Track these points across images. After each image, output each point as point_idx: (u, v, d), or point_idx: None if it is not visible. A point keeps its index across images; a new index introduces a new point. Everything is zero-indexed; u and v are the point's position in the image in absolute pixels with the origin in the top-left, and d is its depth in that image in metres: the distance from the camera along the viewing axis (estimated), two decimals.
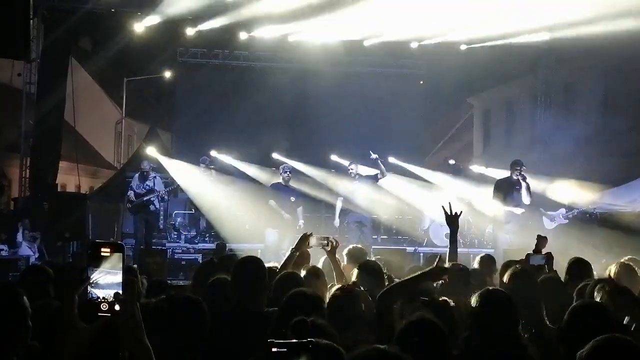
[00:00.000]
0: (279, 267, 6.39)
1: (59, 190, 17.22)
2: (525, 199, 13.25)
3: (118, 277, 2.48)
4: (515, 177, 13.31)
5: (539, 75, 19.29)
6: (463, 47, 17.97)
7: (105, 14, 16.60)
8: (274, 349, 2.34)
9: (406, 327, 3.58)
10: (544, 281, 5.45)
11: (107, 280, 2.48)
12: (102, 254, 2.48)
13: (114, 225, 17.01)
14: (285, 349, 2.35)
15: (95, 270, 2.48)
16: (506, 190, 13.45)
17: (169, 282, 7.63)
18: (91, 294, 2.47)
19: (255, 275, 4.84)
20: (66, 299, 2.59)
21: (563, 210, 15.53)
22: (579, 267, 6.30)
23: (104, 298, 2.46)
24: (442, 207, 6.34)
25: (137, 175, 15.06)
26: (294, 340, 2.39)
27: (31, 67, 16.39)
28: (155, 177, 15.08)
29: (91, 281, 2.46)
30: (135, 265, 10.17)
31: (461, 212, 6.28)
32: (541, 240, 6.54)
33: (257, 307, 4.66)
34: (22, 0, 14.05)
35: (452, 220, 6.13)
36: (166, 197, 15.53)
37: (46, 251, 13.87)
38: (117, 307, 2.45)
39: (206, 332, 3.94)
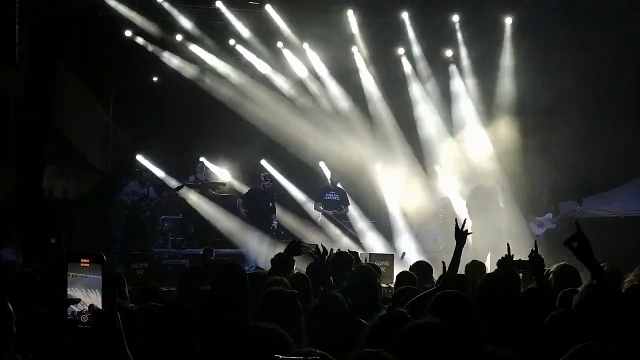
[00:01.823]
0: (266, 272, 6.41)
1: (46, 195, 17.09)
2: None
3: (98, 289, 2.43)
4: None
5: None
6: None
7: (94, 19, 16.56)
8: None
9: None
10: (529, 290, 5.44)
11: (87, 291, 2.43)
12: (82, 264, 2.44)
13: (102, 230, 16.91)
14: None
15: (75, 281, 2.43)
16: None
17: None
18: (71, 306, 2.42)
19: (236, 282, 4.83)
20: (51, 311, 2.55)
21: (550, 215, 15.59)
22: (566, 273, 6.30)
23: (83, 311, 2.42)
24: (455, 219, 6.37)
25: (133, 182, 15.22)
26: (300, 357, 2.39)
27: (18, 72, 16.29)
28: (150, 185, 15.25)
29: (70, 292, 2.41)
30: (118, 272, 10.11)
31: (471, 232, 6.38)
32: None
33: (239, 315, 4.65)
34: (8, 5, 14.02)
35: (460, 235, 6.16)
36: (160, 204, 15.58)
37: (33, 257, 13.76)
38: (96, 319, 2.41)
39: (195, 341, 3.90)
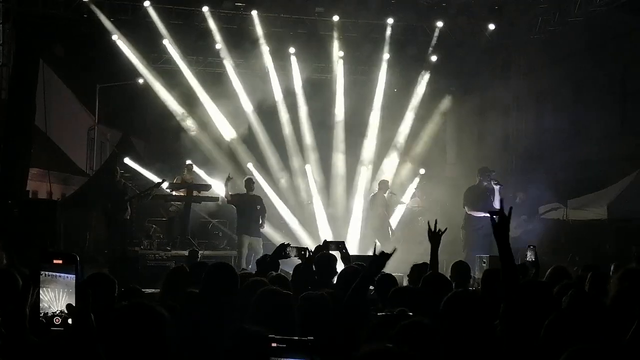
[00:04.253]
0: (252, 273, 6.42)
1: (30, 197, 16.97)
2: (497, 203, 13.35)
3: (71, 289, 2.41)
4: (485, 183, 13.43)
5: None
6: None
7: (78, 21, 16.51)
8: (273, 344, 2.32)
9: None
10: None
11: (59, 293, 2.41)
12: (55, 264, 2.40)
13: (86, 232, 16.84)
14: (285, 345, 2.34)
15: (48, 281, 2.39)
16: (478, 196, 13.55)
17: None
18: (43, 307, 2.39)
19: (227, 281, 4.80)
20: (16, 312, 2.50)
21: (525, 217, 15.61)
22: (558, 274, 6.34)
23: (55, 312, 2.38)
24: (428, 222, 6.45)
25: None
26: (294, 338, 2.37)
27: (2, 73, 16.20)
28: (125, 184, 15.16)
29: (43, 294, 2.37)
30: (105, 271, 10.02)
31: (445, 229, 6.47)
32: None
33: (230, 314, 4.63)
34: None
35: (434, 236, 6.33)
36: (140, 200, 15.45)
37: (16, 259, 13.61)
38: (70, 321, 2.38)
39: (164, 341, 3.78)
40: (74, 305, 2.39)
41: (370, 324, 4.13)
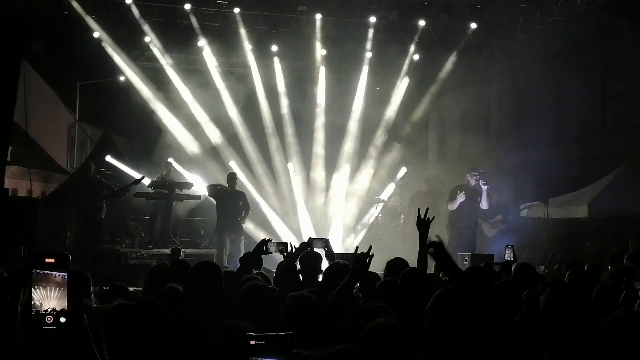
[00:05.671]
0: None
1: (9, 195, 16.80)
2: (484, 204, 13.40)
3: (63, 288, 2.39)
4: (474, 183, 13.44)
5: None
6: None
7: (59, 18, 16.39)
8: (252, 342, 2.30)
9: (368, 332, 3.57)
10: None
11: (51, 291, 2.39)
12: (47, 263, 2.38)
13: (67, 231, 16.71)
14: (264, 342, 2.32)
15: (40, 280, 2.37)
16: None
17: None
18: (35, 306, 2.37)
19: (213, 280, 4.80)
20: (8, 311, 2.47)
21: (500, 217, 15.67)
22: (524, 272, 6.37)
23: (47, 311, 2.37)
24: (419, 209, 6.21)
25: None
26: (272, 334, 2.36)
27: None
28: (100, 180, 14.99)
29: (35, 293, 2.35)
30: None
31: (434, 218, 6.19)
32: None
33: (216, 312, 4.62)
34: None
35: (423, 224, 6.01)
36: (118, 197, 15.31)
37: None
38: (62, 320, 2.36)
39: (168, 337, 3.86)
40: (67, 304, 2.37)
41: (348, 316, 4.14)
